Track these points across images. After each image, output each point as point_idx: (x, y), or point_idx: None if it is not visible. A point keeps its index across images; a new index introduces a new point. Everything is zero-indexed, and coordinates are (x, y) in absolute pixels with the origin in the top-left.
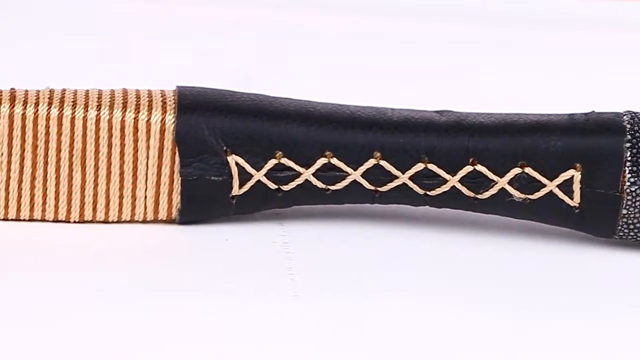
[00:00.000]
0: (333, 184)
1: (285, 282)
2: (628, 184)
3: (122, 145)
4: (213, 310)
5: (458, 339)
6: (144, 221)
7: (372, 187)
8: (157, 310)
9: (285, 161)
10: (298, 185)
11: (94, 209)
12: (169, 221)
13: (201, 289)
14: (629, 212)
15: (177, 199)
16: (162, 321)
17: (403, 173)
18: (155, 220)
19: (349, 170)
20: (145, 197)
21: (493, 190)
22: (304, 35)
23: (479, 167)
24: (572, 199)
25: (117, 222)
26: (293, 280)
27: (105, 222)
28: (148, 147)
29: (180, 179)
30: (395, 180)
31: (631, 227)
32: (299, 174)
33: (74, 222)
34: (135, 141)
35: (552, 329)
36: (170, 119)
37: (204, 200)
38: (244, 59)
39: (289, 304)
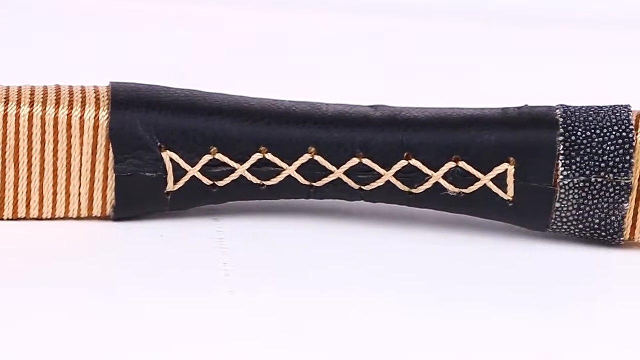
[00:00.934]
0: (268, 180)
1: (221, 278)
2: (561, 177)
3: (56, 142)
4: (148, 307)
5: (394, 333)
6: (79, 218)
7: (307, 183)
8: (92, 308)
9: (220, 157)
10: (233, 181)
11: (28, 206)
12: (104, 218)
13: (136, 285)
14: (562, 206)
15: (112, 196)
16: (96, 319)
17: (338, 168)
18: (90, 217)
19: (284, 165)
20: (80, 194)
21: (428, 185)
22: (238, 30)
23: (414, 162)
24: (506, 192)
25: (51, 219)
26: (228, 276)
27: (39, 219)
28: (82, 144)
29: (114, 175)
30: (330, 175)
31: (564, 220)
32: (233, 170)
33: (7, 219)
34: (69, 138)
35: (488, 322)
36: (104, 115)
37: (138, 197)
38: (179, 54)
39: (225, 300)
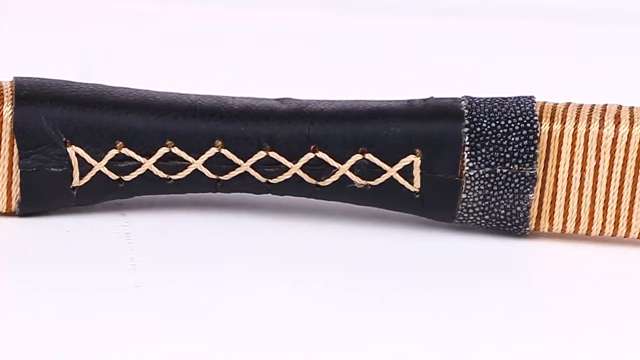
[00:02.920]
0: (174, 174)
1: (127, 272)
2: (467, 168)
3: None
4: (54, 303)
5: (301, 326)
6: None
7: (213, 176)
8: None
9: (126, 151)
10: (139, 175)
11: None
12: (9, 214)
13: (43, 281)
14: (468, 197)
15: (17, 191)
16: (1, 317)
17: (244, 161)
18: None
19: (190, 159)
20: None
21: (334, 177)
22: (144, 24)
23: (320, 154)
24: (412, 184)
25: None
26: (135, 270)
27: None
28: None
29: (19, 170)
30: (237, 169)
31: (470, 211)
32: (140, 164)
33: None
34: None
35: (395, 314)
36: (7, 110)
37: (44, 192)
38: (83, 48)
39: (131, 294)
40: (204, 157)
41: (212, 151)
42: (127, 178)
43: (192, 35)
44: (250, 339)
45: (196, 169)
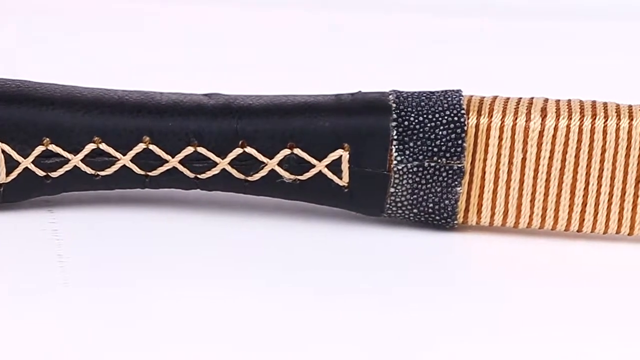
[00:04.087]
0: (102, 170)
1: (55, 269)
2: (395, 162)
3: None
4: None
5: (229, 322)
6: None
7: (142, 172)
8: None
9: (53, 147)
10: (67, 171)
11: None
12: None
13: None
14: (397, 191)
15: None
16: None
17: (173, 157)
18: None
19: (118, 155)
20: None
21: (263, 172)
22: (70, 20)
23: (249, 149)
24: (341, 178)
25: None
26: (63, 267)
27: None
28: None
29: None
30: (165, 165)
31: (399, 205)
32: (67, 160)
33: None
34: None
35: (322, 311)
36: None
37: None
38: (8, 43)
39: (59, 292)
40: (131, 153)
41: (140, 147)
42: (54, 174)
43: (123, 31)
44: (180, 337)
45: (124, 165)
